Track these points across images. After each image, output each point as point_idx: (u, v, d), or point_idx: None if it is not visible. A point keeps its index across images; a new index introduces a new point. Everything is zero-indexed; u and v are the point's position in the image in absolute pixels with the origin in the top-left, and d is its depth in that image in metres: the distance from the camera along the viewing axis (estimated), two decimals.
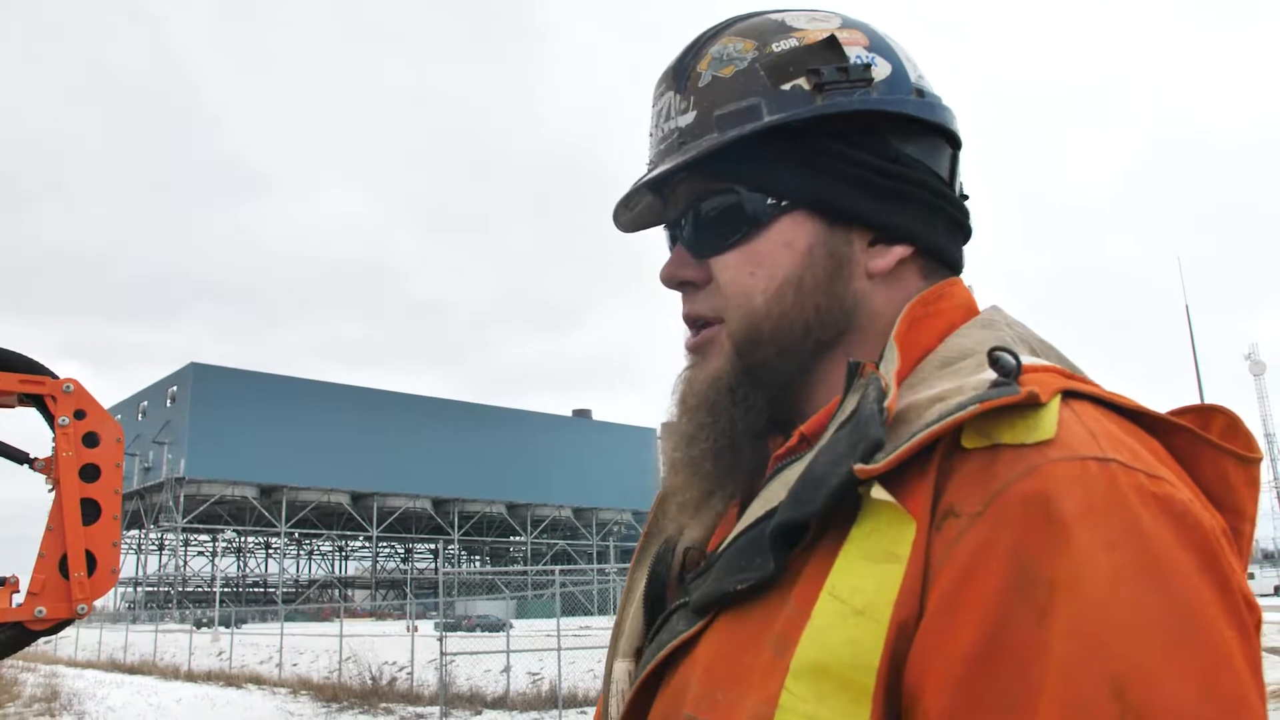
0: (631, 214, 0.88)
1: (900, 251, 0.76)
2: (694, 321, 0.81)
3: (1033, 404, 0.57)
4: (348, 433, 62.16)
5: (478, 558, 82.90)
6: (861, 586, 0.56)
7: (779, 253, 0.75)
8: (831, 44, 0.76)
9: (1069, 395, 0.59)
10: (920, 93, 0.78)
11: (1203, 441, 0.61)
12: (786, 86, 0.75)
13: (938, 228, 0.78)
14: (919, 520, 0.56)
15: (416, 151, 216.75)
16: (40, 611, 1.54)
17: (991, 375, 0.60)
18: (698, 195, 0.79)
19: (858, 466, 0.58)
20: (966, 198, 0.84)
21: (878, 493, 0.57)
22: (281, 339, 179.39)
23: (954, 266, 0.80)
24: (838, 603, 0.57)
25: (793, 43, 0.77)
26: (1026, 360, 0.62)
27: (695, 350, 0.81)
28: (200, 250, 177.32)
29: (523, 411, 75.12)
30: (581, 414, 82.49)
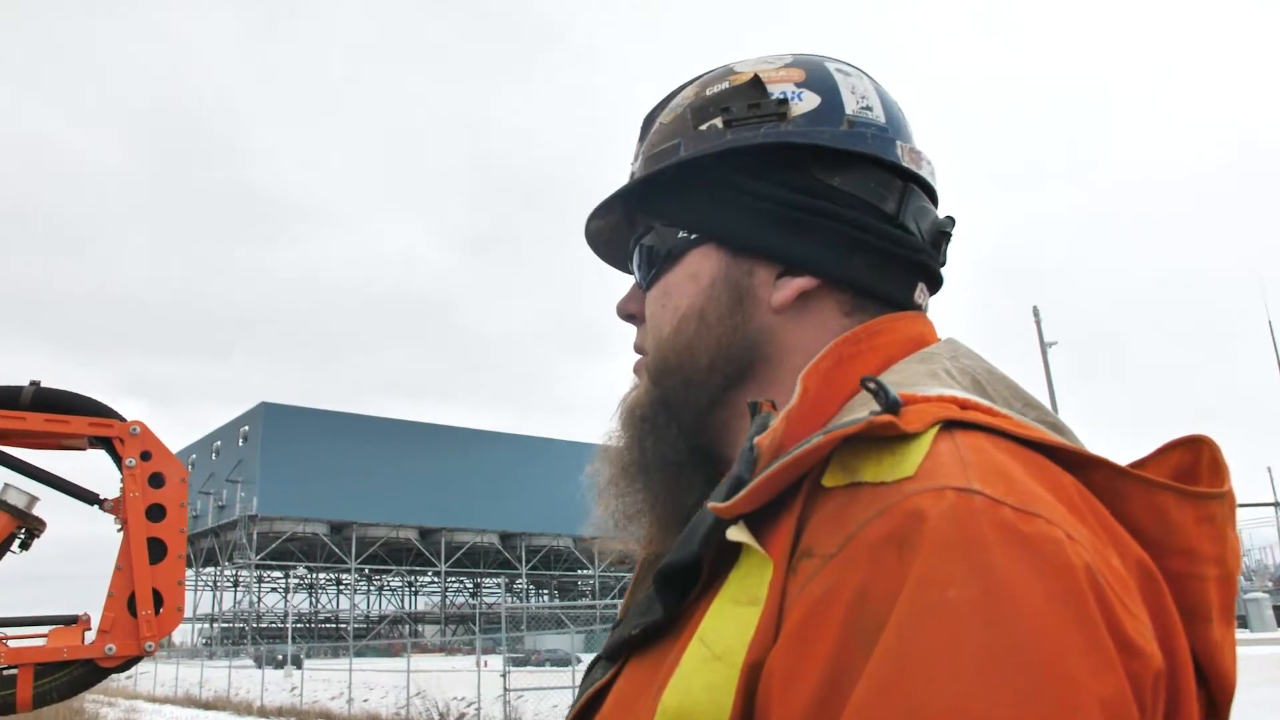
0: (606, 249, 0.91)
1: (802, 284, 0.74)
2: (638, 351, 0.85)
3: (897, 436, 0.54)
4: (415, 468, 62.85)
5: (545, 592, 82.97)
6: (724, 630, 0.54)
7: (685, 284, 0.77)
8: (754, 83, 0.77)
9: (959, 426, 0.55)
10: (852, 124, 0.75)
11: (1128, 477, 0.56)
12: (704, 126, 0.77)
13: (855, 261, 0.74)
14: (777, 561, 0.54)
15: (461, 178, 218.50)
16: (110, 649, 1.57)
17: (874, 408, 0.56)
18: (638, 234, 0.82)
19: (711, 505, 0.56)
20: (947, 235, 0.79)
21: (733, 533, 0.55)
22: (339, 372, 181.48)
23: (892, 303, 0.75)
24: (703, 647, 0.55)
25: (724, 86, 0.79)
26: (927, 391, 0.60)
27: (635, 375, 0.85)
28: (247, 285, 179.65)
29: (585, 444, 74.94)
30: None
